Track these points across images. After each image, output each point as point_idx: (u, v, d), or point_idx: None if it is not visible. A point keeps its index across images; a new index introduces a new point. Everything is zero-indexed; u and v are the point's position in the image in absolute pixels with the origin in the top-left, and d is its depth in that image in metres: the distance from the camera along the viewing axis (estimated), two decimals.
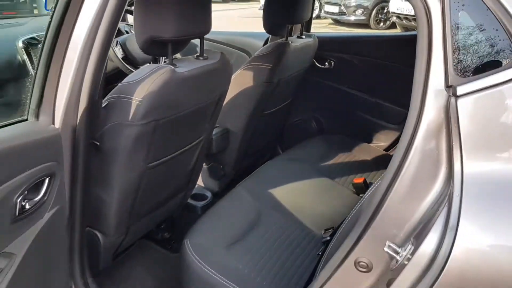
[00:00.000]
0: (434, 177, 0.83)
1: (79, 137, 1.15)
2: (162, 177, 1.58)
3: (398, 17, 8.35)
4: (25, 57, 2.11)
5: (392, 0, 8.58)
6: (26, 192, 0.95)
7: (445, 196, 0.80)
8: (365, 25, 9.53)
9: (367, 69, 2.35)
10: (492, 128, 0.76)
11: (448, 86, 0.79)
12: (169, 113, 1.36)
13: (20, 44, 2.16)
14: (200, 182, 2.16)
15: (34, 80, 1.02)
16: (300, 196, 1.79)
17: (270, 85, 1.98)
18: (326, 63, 2.40)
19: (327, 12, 10.13)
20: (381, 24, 9.59)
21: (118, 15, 1.11)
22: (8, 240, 0.95)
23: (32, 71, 2.10)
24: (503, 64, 0.75)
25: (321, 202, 1.77)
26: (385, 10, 9.43)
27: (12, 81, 2.17)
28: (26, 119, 1.03)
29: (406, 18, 7.93)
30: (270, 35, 2.37)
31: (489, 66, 0.76)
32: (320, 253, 1.26)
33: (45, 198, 1.03)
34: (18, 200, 0.93)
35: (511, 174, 0.75)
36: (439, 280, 0.77)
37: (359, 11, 9.52)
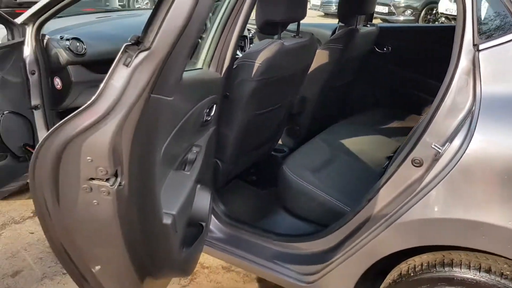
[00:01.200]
0: (465, 102, 1.34)
1: (221, 86, 1.74)
2: (261, 124, 2.16)
3: (446, 17, 8.59)
4: None
5: (441, 1, 8.85)
6: (207, 109, 1.56)
7: (471, 112, 1.32)
8: None
9: (418, 53, 2.85)
10: (499, 68, 1.28)
11: (474, 45, 1.32)
12: (275, 74, 1.94)
13: None
14: (280, 141, 2.74)
15: (211, 43, 1.63)
16: (362, 146, 2.33)
17: (340, 63, 2.53)
18: (385, 49, 2.91)
19: (377, 13, 10.40)
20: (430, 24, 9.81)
21: (252, 5, 1.71)
22: (198, 136, 1.56)
23: None
24: (506, 31, 1.28)
25: (379, 150, 2.30)
26: (434, 11, 9.59)
27: None
28: (201, 68, 1.64)
29: (454, 19, 8.15)
30: (339, 25, 2.92)
31: (498, 32, 1.29)
32: (384, 167, 1.79)
33: (212, 117, 1.63)
34: (205, 113, 1.54)
35: None
36: (459, 162, 1.27)
37: (408, 11, 9.71)
